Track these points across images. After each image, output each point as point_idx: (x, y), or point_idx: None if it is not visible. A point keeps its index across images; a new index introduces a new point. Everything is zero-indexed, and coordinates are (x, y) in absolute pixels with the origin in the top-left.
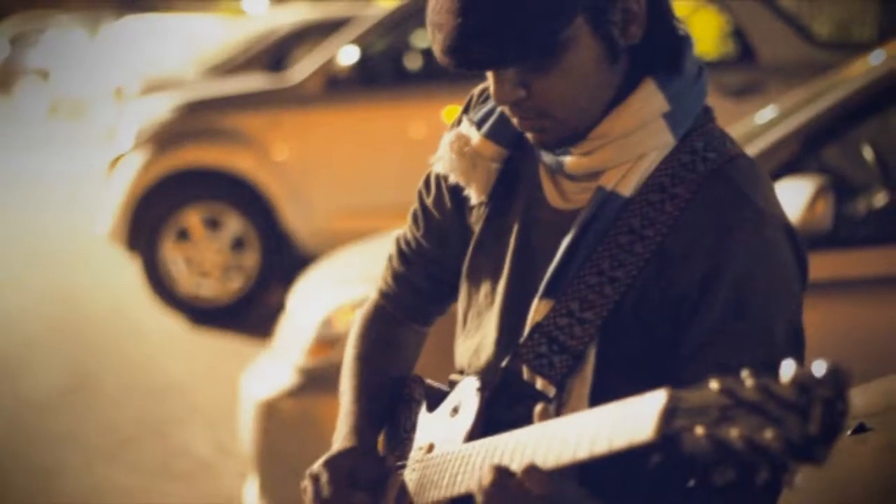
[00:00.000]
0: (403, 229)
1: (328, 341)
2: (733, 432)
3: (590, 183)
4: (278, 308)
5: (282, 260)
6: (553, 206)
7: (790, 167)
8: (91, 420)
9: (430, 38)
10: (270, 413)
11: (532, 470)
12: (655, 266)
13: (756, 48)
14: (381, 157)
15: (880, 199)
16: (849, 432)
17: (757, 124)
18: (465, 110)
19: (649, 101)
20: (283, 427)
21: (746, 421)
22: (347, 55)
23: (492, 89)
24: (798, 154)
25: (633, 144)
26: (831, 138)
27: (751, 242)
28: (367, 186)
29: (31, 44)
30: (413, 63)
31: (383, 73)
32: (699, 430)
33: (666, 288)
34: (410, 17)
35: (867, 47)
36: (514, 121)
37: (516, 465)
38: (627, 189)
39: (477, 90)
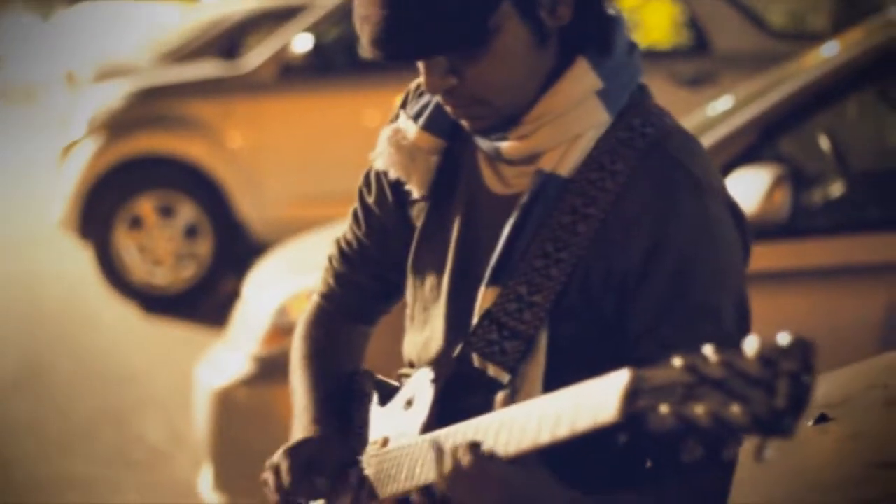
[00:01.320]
0: (343, 230)
1: (283, 330)
2: (699, 409)
3: (528, 167)
4: (231, 296)
5: (235, 248)
6: (493, 193)
7: (747, 157)
8: (45, 409)
9: (357, 30)
10: (225, 402)
11: (473, 450)
12: (599, 244)
13: (710, 38)
14: (334, 145)
15: (837, 188)
16: (810, 422)
17: (712, 114)
18: (403, 105)
19: (582, 79)
20: (238, 416)
21: (712, 397)
22: (301, 43)
23: (423, 79)
24: (755, 144)
25: (568, 124)
26: (788, 128)
27: (693, 216)
28: (321, 174)
29: None
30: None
31: (337, 61)
32: (664, 409)
33: (610, 265)
34: None
35: (821, 38)
36: (449, 109)
37: (462, 452)
38: (566, 169)
39: (413, 84)
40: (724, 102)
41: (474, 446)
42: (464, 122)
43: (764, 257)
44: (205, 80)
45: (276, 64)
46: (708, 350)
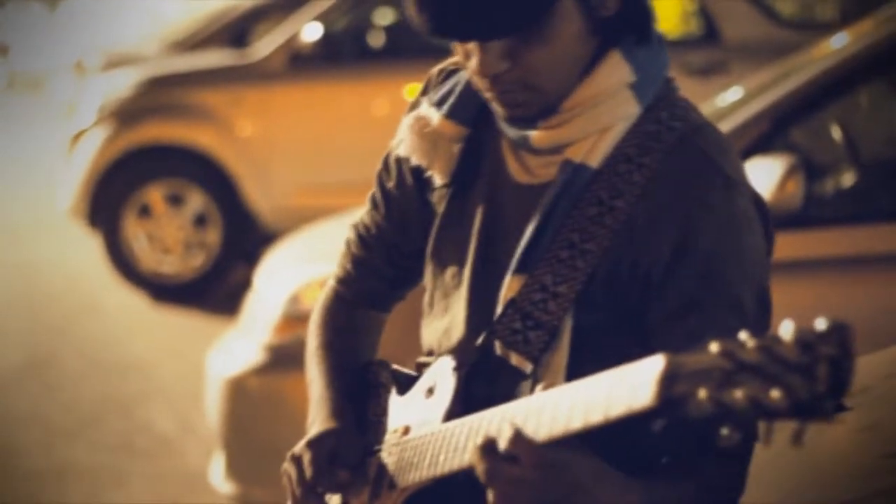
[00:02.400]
0: (360, 215)
1: (295, 318)
2: (738, 394)
3: (554, 157)
4: (240, 285)
5: (244, 237)
6: (517, 182)
7: (759, 147)
8: (52, 398)
9: (412, 13)
10: (237, 390)
11: (516, 439)
12: (626, 236)
13: (720, 27)
14: (344, 134)
15: (848, 178)
16: None
17: (722, 104)
18: (424, 92)
19: (616, 71)
20: (250, 404)
21: (750, 383)
22: (311, 32)
23: (476, 62)
24: (767, 133)
25: (600, 115)
26: (801, 118)
27: (721, 210)
28: (330, 163)
29: None
30: (376, 40)
31: (347, 50)
32: (702, 394)
33: (637, 258)
34: None
35: (830, 27)
36: (490, 94)
37: (504, 440)
38: (595, 161)
39: (435, 71)
40: (733, 93)
41: (518, 432)
42: (503, 110)
43: (776, 247)
44: (214, 68)
45: (285, 53)
46: (744, 336)
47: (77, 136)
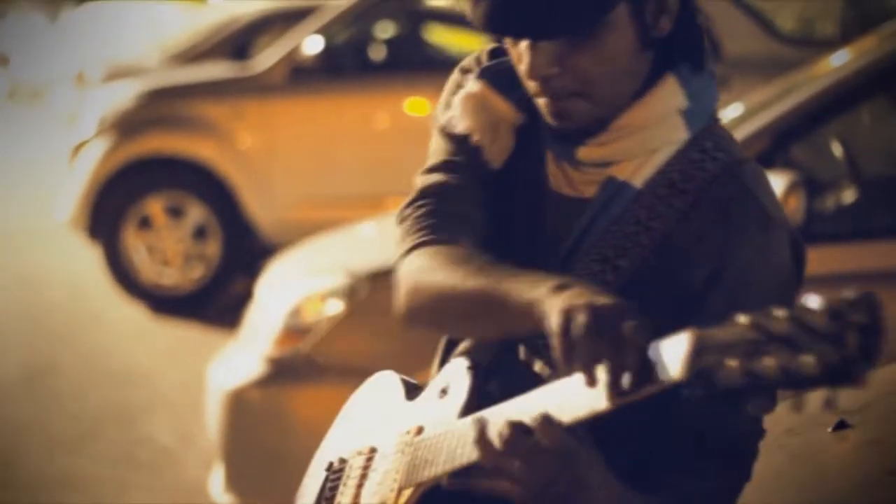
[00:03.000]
0: (424, 184)
1: (296, 331)
2: (768, 362)
3: (597, 172)
4: (240, 297)
5: (243, 249)
6: (558, 192)
7: (760, 163)
8: (52, 408)
9: (469, 7)
10: (237, 403)
11: (546, 421)
12: (660, 259)
13: (720, 42)
14: (343, 147)
15: (849, 195)
16: (829, 429)
17: (724, 120)
18: (464, 71)
19: (671, 96)
20: (250, 417)
21: (780, 352)
22: (312, 45)
23: (526, 62)
24: (768, 150)
25: (650, 138)
26: (802, 135)
27: (755, 244)
28: (330, 176)
29: None
30: (377, 54)
31: (348, 63)
32: (732, 363)
33: (670, 281)
34: (375, 7)
35: (830, 44)
36: (542, 102)
37: (531, 419)
38: (639, 181)
39: (485, 50)
40: (733, 109)
41: (547, 419)
42: (552, 119)
43: None
44: (215, 80)
45: (286, 65)
46: (773, 308)
47: (78, 148)
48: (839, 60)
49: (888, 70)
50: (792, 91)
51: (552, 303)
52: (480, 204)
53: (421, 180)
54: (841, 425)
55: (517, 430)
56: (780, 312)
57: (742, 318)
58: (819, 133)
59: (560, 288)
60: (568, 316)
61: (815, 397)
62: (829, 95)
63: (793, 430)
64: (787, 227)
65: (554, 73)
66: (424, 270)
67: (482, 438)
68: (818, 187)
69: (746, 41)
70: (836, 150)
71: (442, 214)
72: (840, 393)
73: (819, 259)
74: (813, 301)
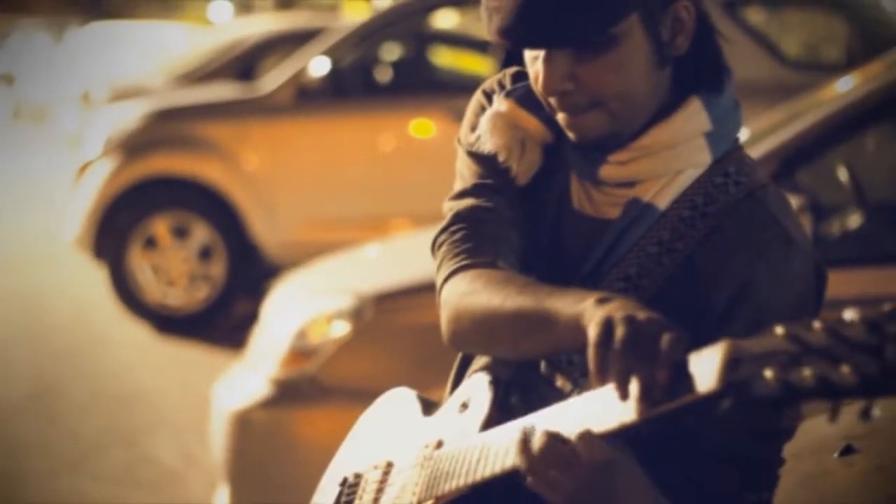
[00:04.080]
0: (455, 209)
1: (302, 352)
2: (806, 373)
3: (620, 193)
4: (244, 318)
5: (248, 270)
6: (581, 212)
7: None
8: (56, 428)
9: (485, 19)
10: (243, 423)
11: (586, 435)
12: (682, 279)
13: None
14: (349, 168)
15: (855, 220)
16: (836, 454)
17: None
18: (488, 95)
19: (694, 118)
20: (256, 438)
21: (817, 363)
22: (318, 66)
23: (541, 77)
24: (774, 175)
25: (673, 159)
26: (807, 160)
27: (778, 267)
28: (335, 198)
29: None
30: (383, 76)
31: (354, 85)
32: (768, 374)
33: (692, 302)
34: (381, 29)
35: (835, 68)
36: (561, 117)
37: (571, 433)
38: (663, 203)
39: (509, 72)
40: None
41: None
42: (573, 134)
43: None
44: (221, 102)
45: (292, 87)
46: (810, 319)
47: (83, 168)
48: (845, 86)
49: (894, 96)
50: (798, 116)
51: (593, 314)
52: (513, 224)
53: (451, 206)
54: (847, 450)
55: (554, 439)
56: (817, 323)
57: (778, 329)
58: (825, 158)
59: (602, 301)
60: (607, 328)
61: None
62: (835, 121)
63: (799, 455)
64: (810, 251)
65: (568, 87)
66: (466, 294)
67: (525, 446)
68: (824, 212)
69: (752, 66)
70: (842, 175)
71: (477, 238)
72: (845, 410)
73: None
74: (850, 313)
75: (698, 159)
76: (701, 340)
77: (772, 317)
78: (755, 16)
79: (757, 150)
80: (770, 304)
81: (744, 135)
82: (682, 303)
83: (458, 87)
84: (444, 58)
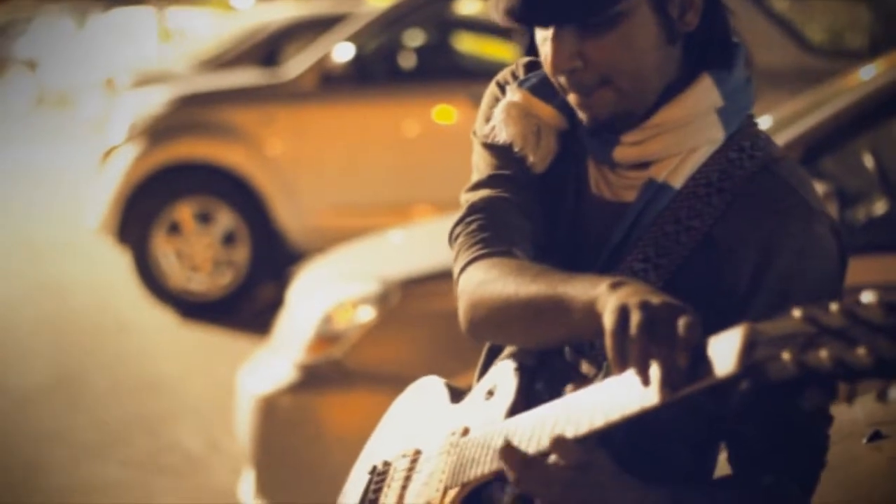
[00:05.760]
0: (472, 200)
1: (328, 338)
2: (822, 354)
3: (637, 174)
4: (268, 304)
5: (272, 256)
6: (599, 196)
7: None
8: (79, 415)
9: (492, 2)
10: (269, 409)
11: (559, 440)
12: (702, 256)
13: (751, 53)
14: (373, 154)
15: (880, 207)
16: (864, 440)
17: None
18: (501, 87)
19: (705, 94)
20: (281, 423)
21: (834, 344)
22: (342, 52)
23: (549, 56)
24: (799, 162)
25: (686, 136)
26: (832, 147)
27: (800, 236)
28: (359, 184)
29: (18, 34)
30: (406, 62)
31: (377, 70)
32: (785, 356)
33: (713, 279)
34: (404, 15)
35: (859, 55)
36: (572, 98)
37: (572, 429)
38: (678, 181)
39: (522, 62)
40: (762, 122)
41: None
42: (584, 115)
43: None
44: (245, 87)
45: (316, 73)
46: (827, 302)
47: (107, 154)
48: (869, 73)
49: None
50: (822, 103)
51: (607, 301)
52: (529, 213)
53: (468, 197)
54: (876, 436)
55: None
56: (834, 306)
57: (795, 312)
58: (849, 145)
59: (615, 286)
60: (622, 314)
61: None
62: (859, 108)
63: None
64: (829, 220)
65: (577, 65)
66: (482, 284)
67: (505, 455)
68: (849, 199)
69: (776, 53)
70: (867, 161)
71: (493, 228)
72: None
73: (849, 270)
74: (867, 295)
75: (711, 135)
76: (726, 316)
77: (796, 287)
78: (779, 3)
79: (782, 138)
80: (793, 273)
81: (768, 122)
82: (703, 279)
83: (481, 74)
84: (467, 44)
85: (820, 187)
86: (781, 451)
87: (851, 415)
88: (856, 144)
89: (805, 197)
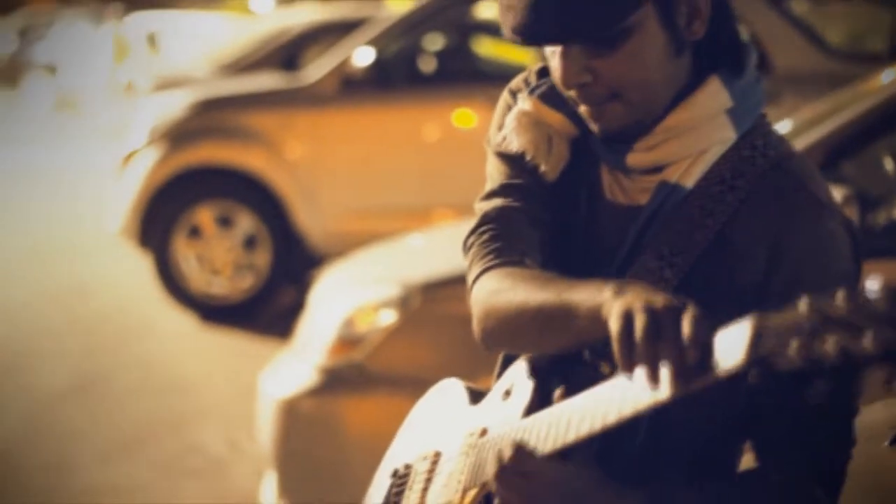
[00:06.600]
0: (485, 209)
1: (349, 341)
2: (828, 344)
3: (650, 178)
4: (288, 307)
5: (292, 259)
6: (612, 202)
7: None
8: (101, 417)
9: (501, 19)
10: (290, 412)
11: (519, 451)
12: (716, 254)
13: (772, 57)
14: (393, 158)
15: None
16: (886, 443)
17: None
18: (512, 94)
19: (715, 96)
20: (303, 425)
21: (840, 334)
22: (363, 56)
23: (559, 71)
24: (819, 166)
25: (697, 138)
26: (853, 151)
27: (812, 231)
28: (379, 188)
29: (38, 38)
30: (427, 66)
31: (397, 74)
32: (792, 347)
33: (728, 275)
34: (425, 19)
35: (880, 59)
36: (582, 109)
37: (587, 426)
38: (690, 182)
39: (534, 69)
40: (782, 126)
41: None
42: (595, 126)
43: None
44: (266, 91)
45: (337, 77)
46: (833, 292)
47: (128, 158)
48: (890, 77)
49: None
50: (843, 107)
51: (612, 306)
52: (541, 222)
53: (481, 206)
54: None
55: (498, 459)
56: (839, 295)
57: (802, 303)
58: (870, 149)
59: (619, 291)
60: (627, 319)
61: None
62: (880, 112)
63: None
64: (843, 217)
65: (587, 80)
66: (494, 293)
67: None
68: (869, 203)
69: (796, 56)
70: (888, 165)
71: (505, 238)
72: None
73: (872, 274)
74: (873, 283)
75: (722, 136)
76: (740, 311)
77: (808, 280)
78: (799, 6)
79: (802, 142)
80: (805, 268)
81: (789, 125)
82: (717, 276)
83: (501, 77)
84: (487, 48)
85: (840, 191)
86: (800, 442)
87: (872, 417)
88: (876, 148)
89: (816, 192)
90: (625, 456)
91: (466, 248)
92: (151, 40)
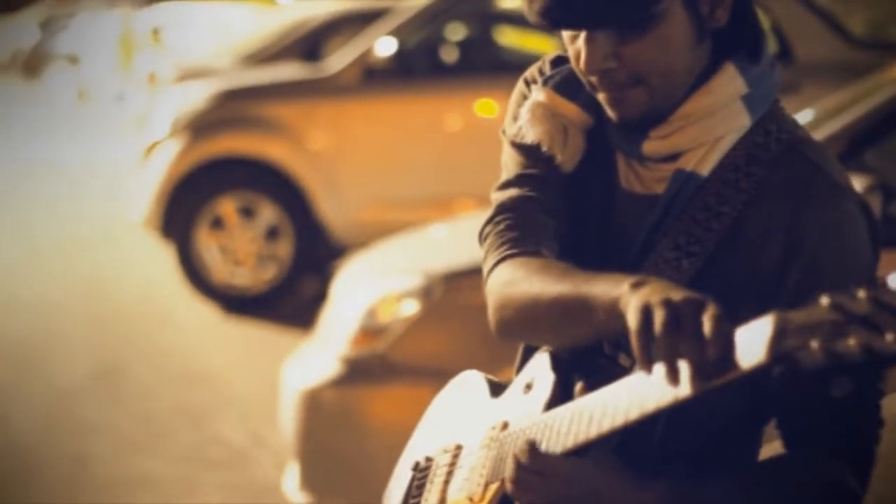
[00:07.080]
0: (500, 199)
1: (372, 331)
2: (850, 342)
3: (667, 166)
4: (311, 298)
5: (315, 250)
6: (629, 191)
7: None
8: (123, 408)
9: (525, 2)
10: (313, 402)
11: (532, 452)
12: (733, 241)
13: (793, 46)
14: (415, 148)
15: None
16: None
17: None
18: (526, 84)
19: (730, 83)
20: (325, 416)
21: (862, 331)
22: (385, 46)
23: (583, 57)
24: (842, 155)
25: (713, 125)
26: (875, 140)
27: (827, 213)
28: (402, 178)
29: (60, 29)
30: (449, 56)
31: (419, 65)
32: (814, 345)
33: (745, 262)
34: (447, 9)
35: None
36: (602, 95)
37: (608, 422)
38: (706, 169)
39: (547, 59)
40: (803, 115)
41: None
42: (612, 111)
43: None
44: (288, 82)
45: (359, 67)
46: (855, 288)
47: (151, 148)
48: None
49: None
50: (865, 96)
51: (629, 300)
52: (556, 212)
53: (497, 196)
54: None
55: (515, 458)
56: (861, 293)
57: (823, 300)
58: (893, 138)
59: (637, 285)
60: (645, 314)
61: None
62: None
63: None
64: (858, 198)
65: (611, 66)
66: (510, 283)
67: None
68: (893, 192)
69: (818, 45)
70: None
71: (521, 228)
72: None
73: (894, 263)
74: (894, 280)
75: (737, 123)
76: (759, 298)
77: (826, 263)
78: None
79: (824, 131)
80: (822, 251)
81: (811, 115)
82: (735, 264)
83: (523, 67)
84: (509, 37)
85: (863, 181)
86: (827, 428)
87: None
88: None
89: (831, 174)
90: (644, 447)
91: (482, 238)
92: (155, 34)
